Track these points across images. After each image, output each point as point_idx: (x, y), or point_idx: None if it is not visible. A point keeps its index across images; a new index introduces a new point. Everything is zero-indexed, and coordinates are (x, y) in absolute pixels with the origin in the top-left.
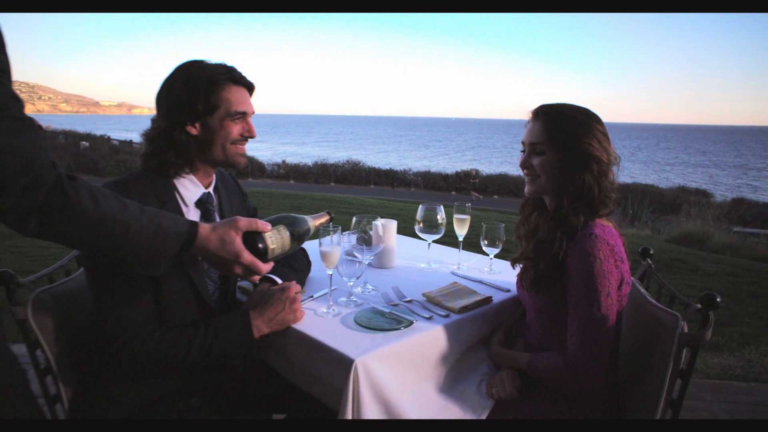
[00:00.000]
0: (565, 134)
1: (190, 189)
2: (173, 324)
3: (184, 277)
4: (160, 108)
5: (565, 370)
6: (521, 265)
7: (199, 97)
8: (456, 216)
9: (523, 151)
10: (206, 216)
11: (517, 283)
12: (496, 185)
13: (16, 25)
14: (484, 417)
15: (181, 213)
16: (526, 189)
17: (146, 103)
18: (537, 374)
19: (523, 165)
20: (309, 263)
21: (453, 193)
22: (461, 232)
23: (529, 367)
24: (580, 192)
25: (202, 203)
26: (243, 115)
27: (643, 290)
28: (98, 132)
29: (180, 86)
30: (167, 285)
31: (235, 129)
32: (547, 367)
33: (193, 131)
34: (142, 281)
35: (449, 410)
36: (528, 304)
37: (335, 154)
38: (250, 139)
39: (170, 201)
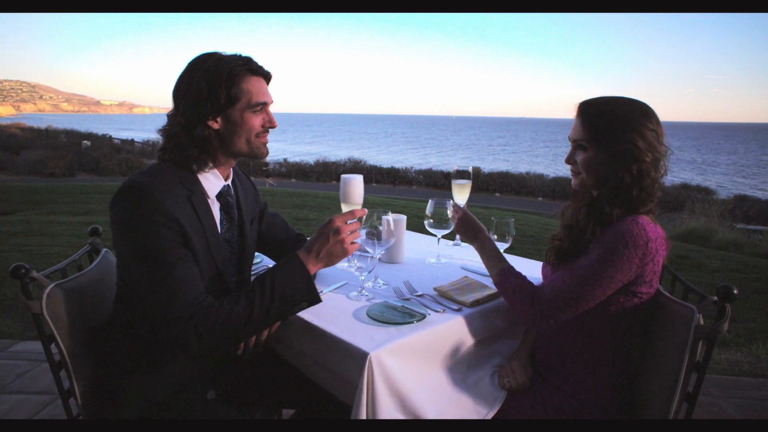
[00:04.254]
0: (602, 132)
1: (212, 181)
2: None
3: (211, 263)
4: (179, 104)
5: (527, 293)
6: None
7: (221, 90)
8: (455, 182)
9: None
10: (226, 208)
11: (543, 266)
12: (498, 183)
13: (18, 25)
14: (497, 408)
15: (206, 203)
16: (572, 182)
17: (147, 102)
18: (503, 286)
19: (568, 160)
20: None
21: None
22: (461, 199)
23: (499, 275)
24: (617, 189)
25: (222, 195)
26: (263, 106)
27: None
28: (100, 131)
29: (199, 81)
30: (199, 268)
31: (257, 121)
32: (514, 286)
33: (215, 125)
34: (188, 262)
35: (463, 402)
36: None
37: (335, 152)
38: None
39: (196, 190)
